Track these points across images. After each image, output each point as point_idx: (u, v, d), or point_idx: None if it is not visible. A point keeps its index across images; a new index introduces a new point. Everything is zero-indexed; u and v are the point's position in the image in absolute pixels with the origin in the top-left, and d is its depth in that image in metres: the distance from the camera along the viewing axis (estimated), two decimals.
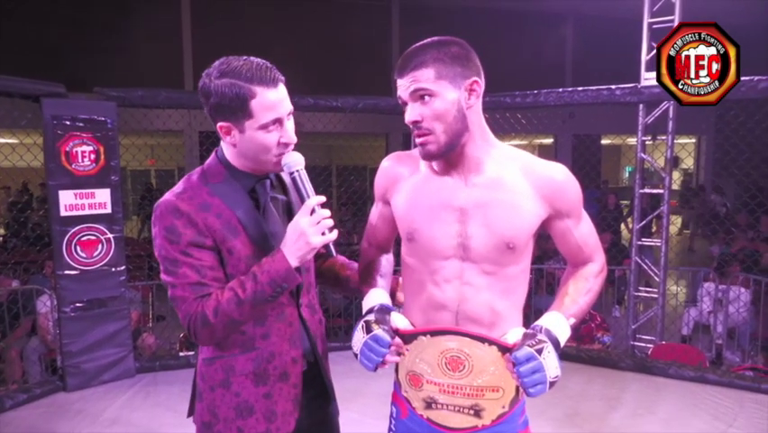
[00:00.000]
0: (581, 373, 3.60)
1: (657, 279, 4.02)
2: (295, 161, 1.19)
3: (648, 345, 4.01)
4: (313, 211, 1.15)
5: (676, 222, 11.29)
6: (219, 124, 1.19)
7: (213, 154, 1.28)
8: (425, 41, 1.16)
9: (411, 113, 1.15)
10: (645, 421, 2.99)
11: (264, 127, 1.16)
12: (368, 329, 1.15)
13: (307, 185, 1.18)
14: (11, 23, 8.07)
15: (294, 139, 1.21)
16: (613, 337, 4.46)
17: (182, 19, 9.13)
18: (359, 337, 1.16)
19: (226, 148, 1.25)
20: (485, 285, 1.19)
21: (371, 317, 1.18)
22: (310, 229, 1.13)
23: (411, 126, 1.16)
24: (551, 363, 1.06)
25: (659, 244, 4.00)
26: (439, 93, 1.12)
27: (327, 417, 1.46)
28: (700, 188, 11.17)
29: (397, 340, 1.15)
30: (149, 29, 8.99)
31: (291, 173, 1.20)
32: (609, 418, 3.04)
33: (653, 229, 5.92)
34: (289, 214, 1.31)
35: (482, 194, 1.18)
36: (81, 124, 3.30)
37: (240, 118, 1.16)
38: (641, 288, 4.17)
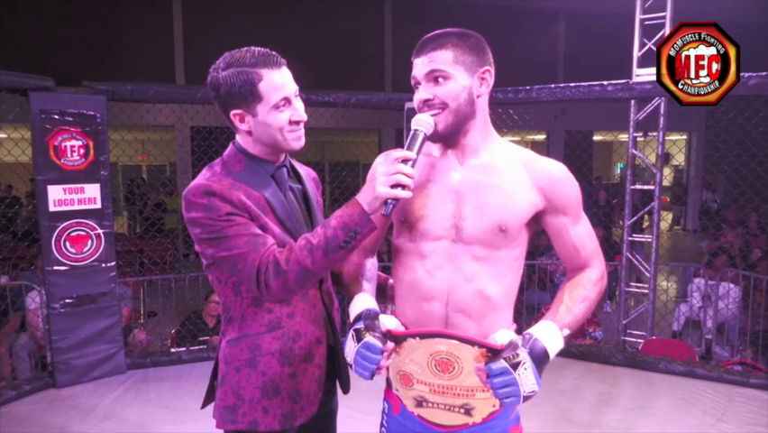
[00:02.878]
0: (573, 367, 3.62)
1: (648, 274, 4.05)
2: (418, 121, 1.16)
3: (639, 340, 4.04)
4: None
5: (667, 218, 11.38)
6: (232, 112, 1.24)
7: (230, 145, 1.31)
8: (444, 29, 1.20)
9: (424, 92, 1.18)
10: (636, 416, 3.01)
11: (276, 107, 1.22)
12: (358, 338, 1.13)
13: (414, 142, 1.14)
14: None
15: (304, 117, 1.26)
16: (604, 332, 4.49)
17: (173, 14, 9.05)
18: (350, 347, 1.14)
19: (242, 137, 1.29)
20: (476, 272, 1.19)
21: (360, 324, 1.15)
22: (381, 177, 1.10)
23: (421, 105, 1.18)
24: (526, 380, 1.04)
25: (650, 239, 4.03)
26: (454, 76, 1.15)
27: (331, 410, 1.48)
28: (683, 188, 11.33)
29: (389, 345, 1.13)
30: (140, 23, 8.92)
31: (413, 129, 1.17)
32: (600, 413, 3.06)
33: (645, 225, 5.95)
34: (306, 202, 1.36)
35: (478, 176, 1.20)
36: (70, 119, 3.26)
37: (251, 103, 1.21)
38: (632, 283, 4.19)
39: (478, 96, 1.19)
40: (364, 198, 1.13)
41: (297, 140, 1.27)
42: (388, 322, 1.17)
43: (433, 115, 1.16)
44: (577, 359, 3.74)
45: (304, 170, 1.44)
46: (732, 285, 4.54)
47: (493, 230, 1.17)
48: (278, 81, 1.21)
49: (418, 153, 1.14)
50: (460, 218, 1.19)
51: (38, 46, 8.02)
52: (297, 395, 1.29)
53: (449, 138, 1.20)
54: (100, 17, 8.57)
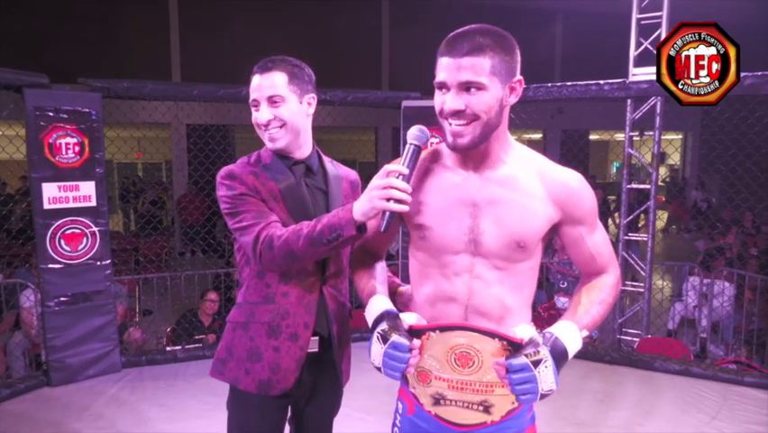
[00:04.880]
0: (568, 366, 3.55)
1: (643, 273, 4.06)
2: (412, 135, 1.18)
3: (634, 339, 4.06)
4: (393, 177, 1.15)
5: (662, 217, 11.42)
6: None
7: None
8: (478, 26, 1.09)
9: (454, 101, 1.08)
10: (631, 414, 3.02)
11: (252, 106, 1.43)
12: (384, 339, 1.12)
13: (408, 156, 1.16)
14: None
15: (261, 120, 1.41)
16: (600, 331, 4.50)
17: (170, 11, 9.00)
18: (377, 349, 1.12)
19: None
20: (495, 279, 1.18)
21: (384, 325, 1.14)
22: (375, 191, 1.16)
23: (448, 114, 1.10)
24: (546, 378, 1.05)
25: (645, 238, 4.04)
26: (489, 88, 1.07)
27: (328, 401, 1.55)
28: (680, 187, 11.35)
29: (416, 342, 1.12)
30: (136, 21, 8.87)
31: (408, 144, 1.19)
32: (595, 411, 3.07)
33: (640, 224, 5.96)
34: (326, 204, 1.47)
35: (496, 191, 1.17)
36: (65, 116, 3.24)
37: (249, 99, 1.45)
38: (627, 282, 4.20)
39: (505, 106, 1.13)
40: (359, 206, 1.20)
41: (268, 141, 1.43)
42: (409, 318, 1.17)
43: (460, 125, 1.10)
44: (573, 358, 3.75)
45: (341, 171, 1.55)
46: (727, 283, 4.56)
47: (511, 245, 1.16)
48: (254, 84, 1.40)
49: (413, 167, 1.15)
50: (478, 232, 1.17)
51: (34, 43, 7.97)
52: (276, 367, 1.41)
53: (473, 149, 1.14)
54: (97, 14, 8.52)
